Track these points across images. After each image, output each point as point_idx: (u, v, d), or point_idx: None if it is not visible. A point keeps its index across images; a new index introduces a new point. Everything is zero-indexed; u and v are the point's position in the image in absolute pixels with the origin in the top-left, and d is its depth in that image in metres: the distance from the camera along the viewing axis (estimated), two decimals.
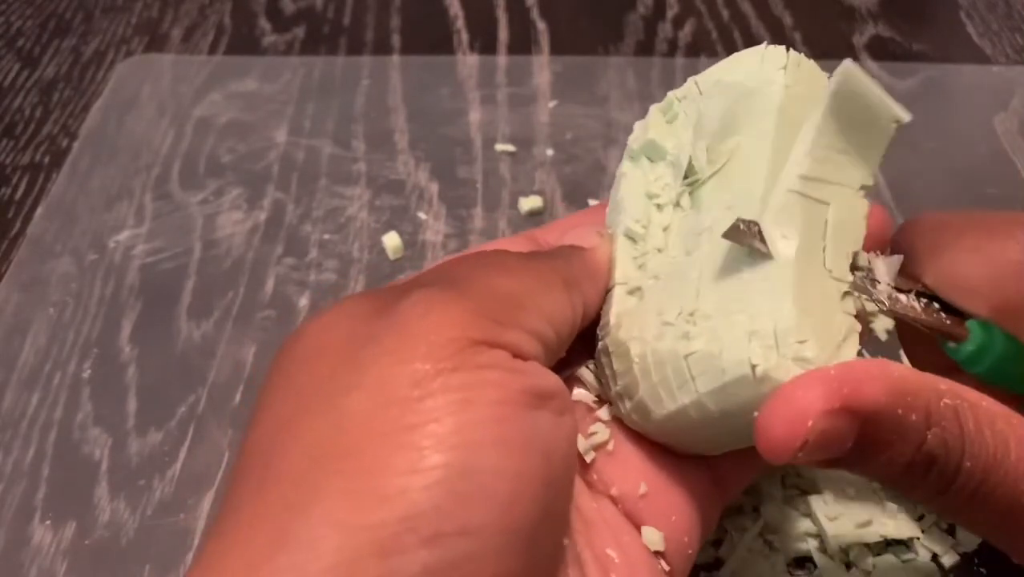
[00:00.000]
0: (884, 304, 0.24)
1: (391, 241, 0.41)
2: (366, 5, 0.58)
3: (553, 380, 0.23)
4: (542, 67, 0.52)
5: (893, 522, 0.30)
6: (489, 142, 0.47)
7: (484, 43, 0.54)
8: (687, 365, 0.23)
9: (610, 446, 0.26)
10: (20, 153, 0.47)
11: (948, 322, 0.25)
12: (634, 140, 0.28)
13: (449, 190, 0.44)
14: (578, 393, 0.26)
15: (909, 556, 0.30)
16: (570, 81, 0.51)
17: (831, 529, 0.30)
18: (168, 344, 0.38)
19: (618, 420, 0.26)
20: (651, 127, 0.28)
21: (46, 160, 0.47)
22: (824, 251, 0.24)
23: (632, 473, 0.25)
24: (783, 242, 0.23)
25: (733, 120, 0.26)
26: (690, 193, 0.26)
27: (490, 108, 0.49)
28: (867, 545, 0.30)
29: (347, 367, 0.21)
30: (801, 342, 0.22)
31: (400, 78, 0.51)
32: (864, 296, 0.24)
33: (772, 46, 0.27)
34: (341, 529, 0.18)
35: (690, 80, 0.28)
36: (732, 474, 0.27)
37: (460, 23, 0.56)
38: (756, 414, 0.21)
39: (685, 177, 0.26)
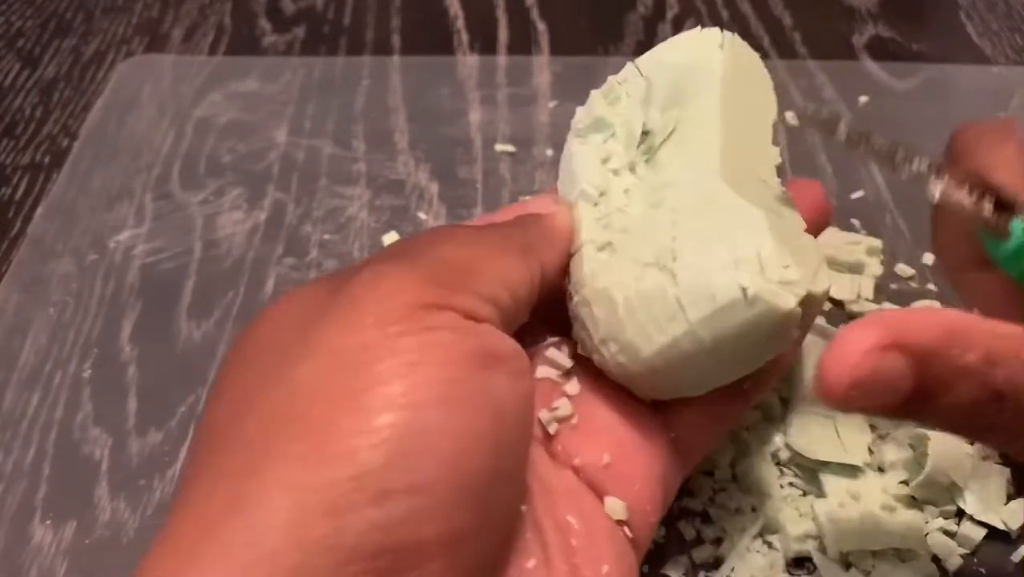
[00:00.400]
0: (937, 190, 0.25)
1: (391, 241, 0.41)
2: (366, 5, 0.58)
3: (509, 343, 0.23)
4: (542, 67, 0.52)
5: (898, 530, 0.30)
6: (489, 142, 0.47)
7: (484, 43, 0.54)
8: (676, 297, 0.24)
9: (574, 420, 0.26)
10: (20, 153, 0.47)
11: (993, 219, 0.25)
12: (578, 122, 0.30)
13: (449, 190, 0.44)
14: (543, 371, 0.27)
15: (909, 557, 0.30)
16: (570, 81, 0.51)
17: (832, 533, 0.30)
18: (168, 344, 0.38)
19: (584, 392, 0.27)
20: (595, 108, 0.29)
21: (46, 160, 0.47)
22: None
23: (595, 444, 0.26)
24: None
25: (679, 92, 0.28)
26: (646, 157, 0.28)
27: (490, 108, 0.49)
28: (868, 550, 0.30)
29: (299, 342, 0.22)
30: (785, 267, 0.23)
31: (400, 78, 0.51)
32: (923, 182, 0.25)
33: (707, 28, 0.30)
34: (291, 489, 0.19)
35: (629, 64, 0.30)
36: (693, 441, 0.28)
37: (460, 23, 0.56)
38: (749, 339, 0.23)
39: (639, 144, 0.28)
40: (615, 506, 0.25)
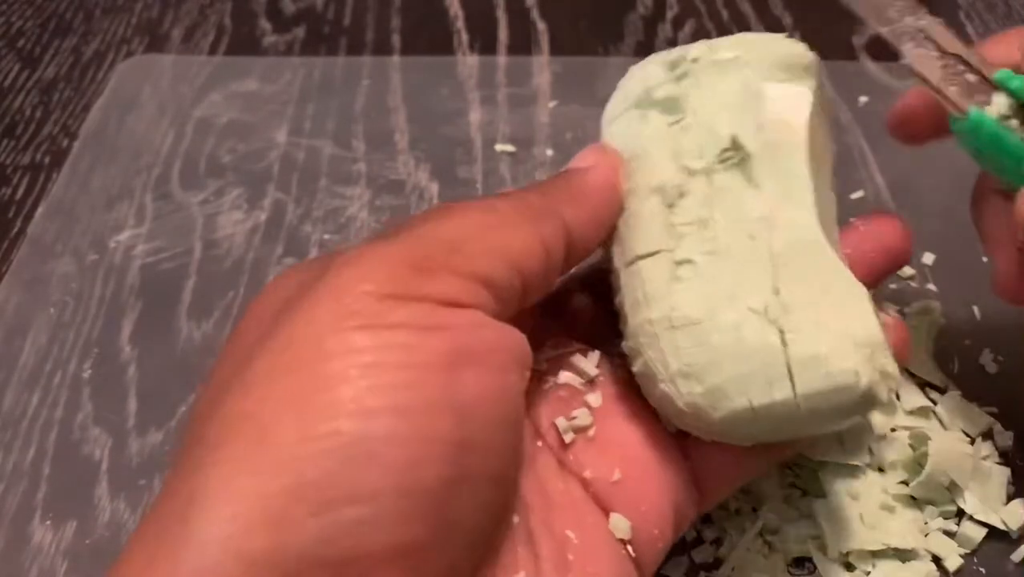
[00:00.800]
0: (912, 54, 0.26)
1: None
2: (366, 5, 0.58)
3: (493, 334, 0.21)
4: (542, 67, 0.52)
5: (897, 529, 0.30)
6: (489, 142, 0.47)
7: (484, 43, 0.54)
8: (788, 362, 0.23)
9: (591, 432, 0.25)
10: (20, 153, 0.47)
11: (955, 94, 0.26)
12: (630, 85, 0.27)
13: (449, 190, 0.44)
14: (565, 376, 0.26)
15: (909, 557, 0.30)
16: (570, 81, 0.51)
17: (832, 533, 0.30)
18: (168, 344, 0.38)
19: (606, 404, 0.26)
20: (657, 78, 0.27)
21: (46, 160, 0.47)
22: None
23: (609, 459, 0.25)
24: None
25: (763, 105, 0.26)
26: (725, 166, 0.25)
27: (490, 108, 0.49)
28: (869, 550, 0.30)
29: (267, 333, 0.21)
30: (886, 357, 0.23)
31: (400, 78, 0.51)
32: (896, 44, 0.26)
33: (797, 43, 0.27)
34: (234, 498, 0.18)
35: (703, 43, 0.27)
36: (713, 480, 0.26)
37: (460, 23, 0.56)
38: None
39: (725, 152, 0.25)
40: (619, 524, 0.24)
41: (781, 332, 0.23)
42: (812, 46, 0.58)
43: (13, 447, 0.34)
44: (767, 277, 0.24)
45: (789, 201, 0.25)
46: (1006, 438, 0.33)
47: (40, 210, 0.44)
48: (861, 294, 0.24)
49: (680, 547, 0.31)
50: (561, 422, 0.25)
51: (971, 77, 0.27)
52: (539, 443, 0.25)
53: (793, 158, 0.25)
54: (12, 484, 0.33)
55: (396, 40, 0.55)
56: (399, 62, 0.53)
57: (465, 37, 0.55)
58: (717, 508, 0.31)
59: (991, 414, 0.34)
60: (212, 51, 0.54)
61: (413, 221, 0.23)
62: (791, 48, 0.27)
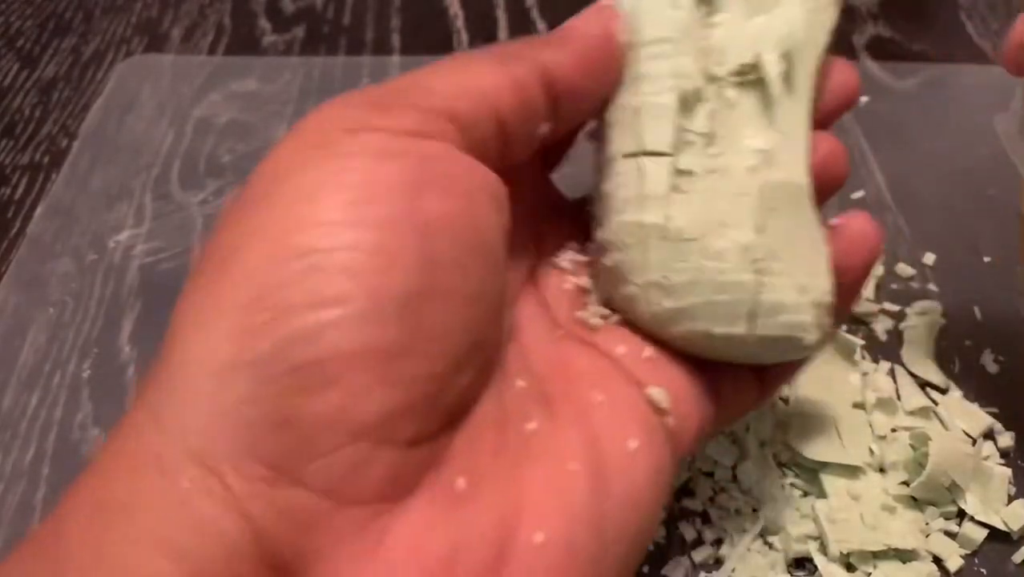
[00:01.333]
0: None
1: None
2: (366, 5, 0.57)
3: (457, 164, 0.21)
4: None
5: (898, 529, 0.30)
6: None
7: (484, 43, 0.54)
8: (755, 303, 0.24)
9: (614, 319, 0.25)
10: (20, 153, 0.47)
11: None
12: None
13: None
14: (579, 281, 0.26)
15: (910, 558, 0.30)
16: None
17: (832, 533, 0.30)
18: None
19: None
20: None
21: (46, 160, 0.47)
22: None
23: (639, 339, 0.25)
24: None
25: (790, 34, 0.24)
26: (748, 88, 0.24)
27: None
28: (869, 551, 0.30)
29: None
30: (829, 314, 0.24)
31: None
32: None
33: None
34: (203, 319, 0.19)
35: None
36: (726, 396, 0.26)
37: (460, 23, 0.56)
38: None
39: (745, 66, 0.24)
40: (658, 394, 0.23)
41: (757, 272, 0.23)
42: None
43: (12, 447, 0.34)
44: (756, 212, 0.24)
45: (788, 140, 0.24)
46: (1007, 438, 0.33)
47: (39, 210, 0.44)
48: (824, 252, 0.24)
49: (680, 548, 0.31)
50: (589, 310, 0.25)
51: None
52: (560, 332, 0.25)
53: (799, 96, 0.25)
54: (11, 484, 0.33)
55: (396, 40, 0.55)
56: (399, 62, 0.52)
57: (465, 37, 0.55)
58: (717, 509, 0.31)
59: (992, 414, 0.34)
60: (212, 51, 0.54)
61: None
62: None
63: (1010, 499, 0.31)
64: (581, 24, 0.24)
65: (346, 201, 0.19)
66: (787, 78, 0.24)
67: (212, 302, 0.19)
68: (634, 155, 0.24)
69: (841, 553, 0.30)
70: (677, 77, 0.24)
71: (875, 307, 0.38)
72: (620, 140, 0.24)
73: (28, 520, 0.32)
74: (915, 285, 0.39)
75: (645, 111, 0.24)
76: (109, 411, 0.35)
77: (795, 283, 0.24)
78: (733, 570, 0.30)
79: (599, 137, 0.26)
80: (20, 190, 0.45)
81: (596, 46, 0.24)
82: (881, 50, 0.54)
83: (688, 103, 0.24)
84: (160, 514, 0.18)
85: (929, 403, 0.34)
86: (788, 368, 0.27)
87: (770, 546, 0.31)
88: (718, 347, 0.24)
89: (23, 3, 0.58)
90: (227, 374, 0.18)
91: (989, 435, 0.33)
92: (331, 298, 0.19)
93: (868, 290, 0.38)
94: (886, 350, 0.37)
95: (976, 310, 0.38)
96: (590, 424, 0.22)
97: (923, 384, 0.35)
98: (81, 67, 0.53)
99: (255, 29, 0.56)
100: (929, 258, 0.40)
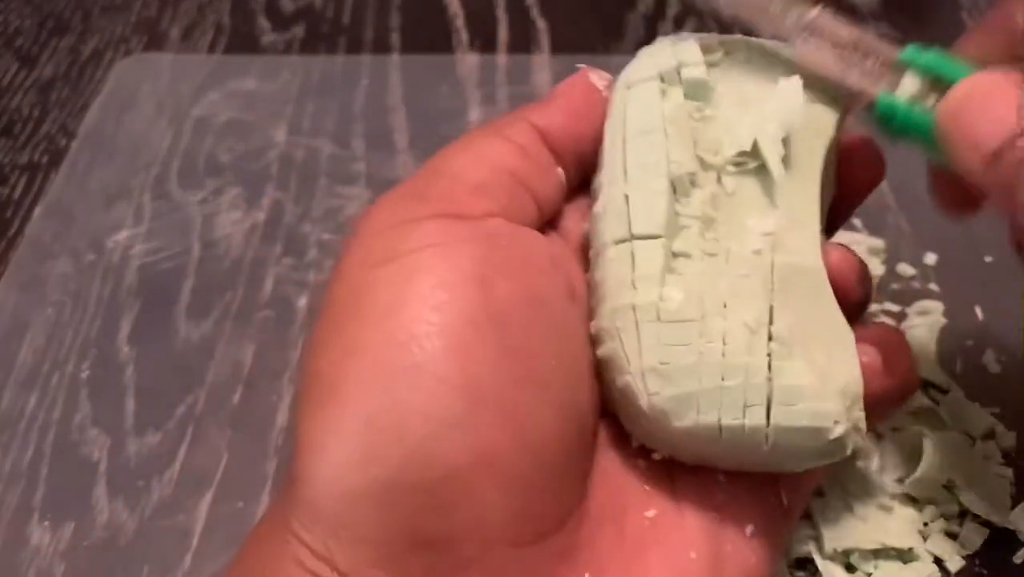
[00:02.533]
0: (802, 46, 0.24)
1: None
2: (365, 4, 0.57)
3: (515, 238, 0.22)
4: (542, 66, 0.52)
5: (895, 528, 0.30)
6: None
7: (484, 42, 0.54)
8: (769, 390, 0.21)
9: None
10: (18, 153, 0.47)
11: (857, 83, 0.25)
12: (667, 57, 0.25)
13: None
14: None
15: (911, 558, 0.30)
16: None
17: (830, 534, 0.30)
18: (167, 344, 0.37)
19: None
20: (687, 55, 0.25)
21: (44, 160, 0.47)
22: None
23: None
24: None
25: (789, 118, 0.25)
26: (748, 175, 0.24)
27: (490, 107, 0.49)
28: (870, 550, 0.30)
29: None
30: (861, 410, 0.22)
31: (400, 77, 0.51)
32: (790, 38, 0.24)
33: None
34: (322, 450, 0.20)
35: (741, 37, 0.26)
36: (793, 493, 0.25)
37: (460, 22, 0.56)
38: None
39: (743, 154, 0.24)
40: None
41: (769, 355, 0.22)
42: None
43: (11, 448, 0.34)
44: (763, 295, 0.22)
45: (796, 224, 0.24)
46: (1008, 438, 0.33)
47: (38, 210, 0.44)
48: (849, 339, 0.23)
49: None
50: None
51: (870, 63, 0.25)
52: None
53: (807, 181, 0.24)
54: (10, 485, 0.33)
55: (395, 39, 0.54)
56: (398, 61, 0.52)
57: (465, 36, 0.55)
58: None
59: (993, 414, 0.34)
60: (211, 50, 0.54)
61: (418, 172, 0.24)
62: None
63: (1011, 499, 0.31)
64: (564, 86, 0.26)
65: (428, 309, 0.20)
66: (791, 163, 0.24)
67: (328, 427, 0.20)
68: (624, 240, 0.23)
69: (838, 552, 0.30)
70: (668, 163, 0.23)
71: (876, 307, 0.38)
72: (610, 228, 0.23)
73: (26, 521, 0.32)
74: (916, 285, 0.39)
75: (635, 196, 0.23)
76: (108, 411, 0.35)
77: (815, 368, 0.22)
78: None
79: (589, 232, 0.25)
80: (19, 190, 0.45)
81: (580, 95, 0.25)
82: None
83: (682, 187, 0.23)
84: None
85: (930, 403, 0.34)
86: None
87: None
88: (729, 447, 0.22)
89: (22, 2, 0.58)
90: (359, 502, 0.19)
91: (990, 435, 0.33)
92: (436, 412, 0.20)
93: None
94: None
95: (977, 310, 0.38)
96: (711, 509, 0.22)
97: (924, 384, 0.35)
98: (80, 66, 0.53)
99: (254, 28, 0.55)
100: (930, 258, 0.40)
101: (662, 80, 0.25)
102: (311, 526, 0.20)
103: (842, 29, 0.25)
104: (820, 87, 0.26)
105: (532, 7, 0.57)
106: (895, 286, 0.39)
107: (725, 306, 0.22)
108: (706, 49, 0.25)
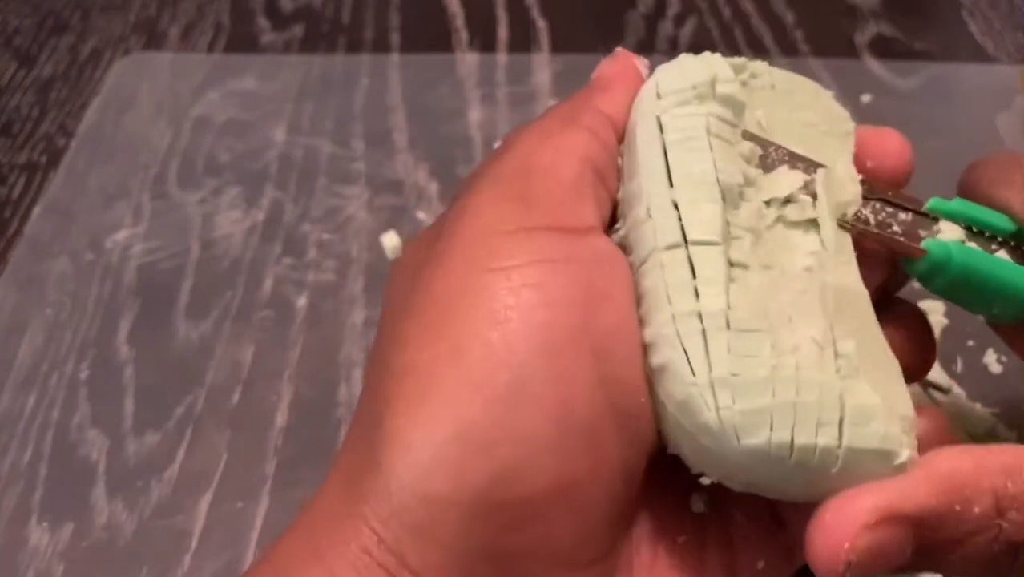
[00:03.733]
0: (844, 220, 0.24)
1: (390, 241, 0.41)
2: (365, 3, 0.57)
3: (619, 263, 0.22)
4: (542, 66, 0.52)
5: None
6: (489, 141, 0.47)
7: (484, 41, 0.54)
8: (841, 409, 0.20)
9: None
10: (17, 152, 0.47)
11: (903, 239, 0.24)
12: (701, 70, 0.24)
13: (448, 190, 0.44)
14: None
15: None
16: (570, 80, 0.50)
17: None
18: (166, 344, 0.37)
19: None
20: (720, 70, 0.24)
21: (43, 159, 0.47)
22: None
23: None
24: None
25: (813, 149, 0.25)
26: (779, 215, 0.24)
27: (490, 107, 0.49)
28: None
29: (408, 296, 0.22)
30: (914, 436, 0.21)
31: (399, 77, 0.51)
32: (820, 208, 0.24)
33: (837, 103, 0.27)
34: (409, 448, 0.20)
35: (763, 64, 0.26)
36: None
37: (459, 21, 0.56)
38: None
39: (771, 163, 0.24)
40: None
41: (840, 377, 0.21)
42: (814, 44, 0.58)
43: (10, 448, 0.34)
44: (823, 312, 0.22)
45: (839, 253, 0.23)
46: (1009, 438, 0.33)
47: (37, 210, 0.44)
48: (895, 365, 0.23)
49: None
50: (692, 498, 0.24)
51: (904, 215, 0.25)
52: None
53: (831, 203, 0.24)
54: (9, 485, 0.33)
55: (395, 38, 0.54)
56: (398, 60, 0.52)
57: (464, 35, 0.54)
58: None
59: (994, 414, 0.34)
60: (210, 49, 0.54)
61: (485, 169, 0.24)
62: (839, 110, 0.27)
63: None
64: (615, 69, 0.26)
65: (531, 327, 0.20)
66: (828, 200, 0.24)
67: (419, 431, 0.20)
68: (678, 246, 0.22)
69: None
70: (717, 172, 0.23)
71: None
72: (660, 234, 0.22)
73: (25, 521, 0.32)
74: (917, 285, 0.39)
75: (686, 203, 0.22)
76: (107, 412, 0.35)
77: (879, 389, 0.21)
78: None
79: (626, 240, 0.23)
80: (18, 190, 0.45)
81: (634, 81, 0.25)
82: (883, 49, 0.53)
83: (731, 198, 0.23)
84: None
85: (932, 403, 0.34)
86: None
87: None
88: (795, 469, 0.20)
89: (21, 2, 0.58)
90: (442, 506, 0.20)
91: (991, 435, 0.33)
92: (528, 434, 0.20)
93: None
94: None
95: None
96: (731, 543, 0.23)
97: (926, 384, 0.35)
98: (79, 66, 0.53)
99: (253, 27, 0.55)
100: None
101: (696, 93, 0.24)
102: (387, 518, 0.20)
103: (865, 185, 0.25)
104: (832, 120, 0.26)
105: (532, 7, 0.57)
106: None
107: (791, 320, 0.21)
108: (736, 68, 0.25)
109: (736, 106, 0.24)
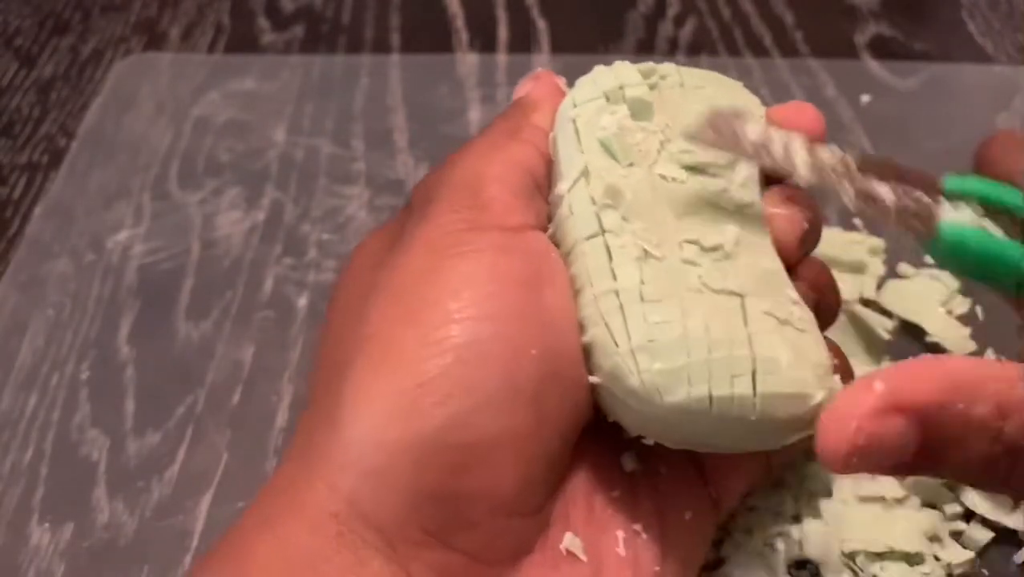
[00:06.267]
0: (851, 196, 0.24)
1: None
2: (365, 4, 0.57)
3: (557, 259, 0.25)
4: (542, 66, 0.52)
5: (900, 530, 0.30)
6: None
7: (484, 41, 0.54)
8: (752, 360, 0.23)
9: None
10: (18, 153, 0.47)
11: (919, 223, 0.24)
12: (609, 78, 0.28)
13: None
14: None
15: (915, 560, 0.30)
16: (570, 80, 0.50)
17: (835, 536, 0.30)
18: (166, 345, 0.37)
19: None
20: (627, 77, 0.27)
21: (44, 160, 0.47)
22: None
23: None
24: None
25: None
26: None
27: (490, 107, 0.49)
28: (875, 552, 0.30)
29: (371, 278, 0.25)
30: (834, 380, 0.24)
31: (399, 77, 0.51)
32: (836, 187, 0.24)
33: (749, 92, 0.29)
34: (371, 398, 0.22)
35: (671, 66, 0.29)
36: (723, 489, 0.27)
37: (460, 21, 0.56)
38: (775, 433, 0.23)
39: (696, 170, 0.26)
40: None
41: (749, 334, 0.23)
42: (814, 44, 0.58)
43: (11, 448, 0.34)
44: (735, 283, 0.24)
45: (751, 232, 0.26)
46: None
47: (37, 210, 0.44)
48: (812, 323, 0.25)
49: None
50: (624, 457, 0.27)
51: (918, 193, 0.24)
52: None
53: (754, 204, 0.26)
54: (10, 485, 0.33)
55: (395, 38, 0.54)
56: (398, 60, 0.52)
57: (465, 35, 0.55)
58: None
59: None
60: (210, 49, 0.54)
61: (441, 177, 0.27)
62: (749, 98, 0.29)
63: (1014, 499, 0.31)
64: (539, 88, 0.30)
65: (483, 296, 0.23)
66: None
67: (378, 384, 0.22)
68: (596, 235, 0.25)
69: (843, 554, 0.29)
70: (609, 176, 0.26)
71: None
72: (580, 227, 0.25)
73: (26, 522, 0.32)
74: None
75: (586, 204, 0.25)
76: (107, 412, 0.35)
77: (788, 344, 0.23)
78: (733, 571, 0.30)
79: (555, 235, 0.26)
80: (18, 190, 0.45)
81: (557, 98, 0.29)
82: (882, 49, 0.53)
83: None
84: (345, 573, 0.21)
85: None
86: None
87: (771, 547, 0.30)
88: (718, 420, 0.23)
89: (21, 2, 0.58)
90: (396, 451, 0.22)
91: None
92: (479, 388, 0.22)
93: (870, 290, 0.38)
94: (888, 350, 0.36)
95: (978, 310, 0.38)
96: (660, 496, 0.26)
97: None
98: (79, 66, 0.53)
99: (254, 28, 0.55)
100: (931, 258, 0.40)
101: (607, 99, 0.27)
102: (343, 466, 0.22)
103: (880, 164, 0.25)
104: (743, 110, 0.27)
105: (532, 7, 0.57)
106: None
107: (700, 291, 0.24)
108: (644, 73, 0.28)
109: (645, 107, 0.27)
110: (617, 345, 0.23)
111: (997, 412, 0.20)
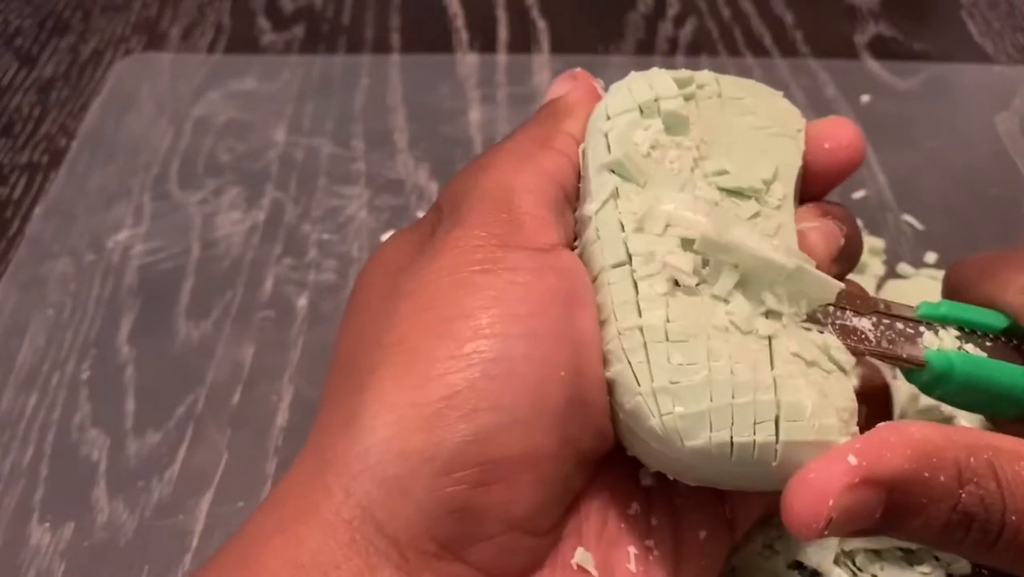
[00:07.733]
0: (848, 344, 0.24)
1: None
2: (365, 4, 0.57)
3: (587, 281, 0.24)
4: (542, 66, 0.52)
5: None
6: (489, 141, 0.47)
7: (484, 42, 0.54)
8: (777, 406, 0.22)
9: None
10: (18, 153, 0.47)
11: (904, 354, 0.25)
12: (644, 89, 0.26)
13: None
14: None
15: (916, 561, 0.30)
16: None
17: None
18: (166, 345, 0.37)
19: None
20: (663, 88, 0.26)
21: (44, 160, 0.47)
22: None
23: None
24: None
25: (770, 163, 0.26)
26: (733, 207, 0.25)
27: (490, 107, 0.49)
28: (874, 550, 0.30)
29: (398, 284, 0.24)
30: (856, 425, 0.23)
31: (399, 77, 0.51)
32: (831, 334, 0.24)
33: (788, 102, 0.28)
34: (395, 407, 0.22)
35: (709, 74, 0.27)
36: (740, 515, 0.27)
37: (460, 22, 0.56)
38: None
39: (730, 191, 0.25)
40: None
41: (774, 377, 0.22)
42: (814, 44, 0.58)
43: (11, 448, 0.34)
44: (760, 324, 0.23)
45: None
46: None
47: (38, 210, 0.44)
48: (841, 349, 0.24)
49: None
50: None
51: (900, 324, 0.25)
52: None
53: (786, 207, 0.26)
54: (10, 485, 0.33)
55: (395, 39, 0.54)
56: (398, 61, 0.52)
57: (465, 35, 0.55)
58: None
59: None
60: (211, 50, 0.54)
61: (471, 182, 0.26)
62: (789, 109, 0.28)
63: None
64: (569, 89, 0.29)
65: (517, 314, 0.22)
66: (774, 207, 0.25)
67: (403, 393, 0.22)
68: (623, 264, 0.24)
69: (843, 553, 0.29)
70: (646, 198, 0.24)
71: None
72: (607, 253, 0.24)
73: (26, 521, 0.32)
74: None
75: (615, 229, 0.24)
76: (107, 411, 0.35)
77: (814, 387, 0.22)
78: (734, 572, 0.30)
79: (580, 259, 0.25)
80: (18, 190, 0.45)
81: (595, 98, 0.28)
82: (883, 49, 0.53)
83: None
84: None
85: (934, 402, 0.34)
86: None
87: (771, 548, 0.30)
88: (738, 464, 0.22)
89: (22, 2, 0.58)
90: (416, 461, 0.21)
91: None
92: (506, 405, 0.22)
93: (869, 290, 0.38)
94: None
95: None
96: (676, 513, 0.25)
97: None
98: (80, 66, 0.53)
99: (254, 28, 0.55)
100: (931, 257, 0.40)
101: (641, 112, 0.26)
102: (359, 473, 0.21)
103: (860, 294, 0.25)
104: (782, 122, 0.27)
105: (532, 7, 0.57)
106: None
107: (727, 329, 0.23)
108: (680, 83, 0.26)
109: (681, 122, 0.26)
110: (639, 385, 0.22)
111: (957, 481, 0.21)
